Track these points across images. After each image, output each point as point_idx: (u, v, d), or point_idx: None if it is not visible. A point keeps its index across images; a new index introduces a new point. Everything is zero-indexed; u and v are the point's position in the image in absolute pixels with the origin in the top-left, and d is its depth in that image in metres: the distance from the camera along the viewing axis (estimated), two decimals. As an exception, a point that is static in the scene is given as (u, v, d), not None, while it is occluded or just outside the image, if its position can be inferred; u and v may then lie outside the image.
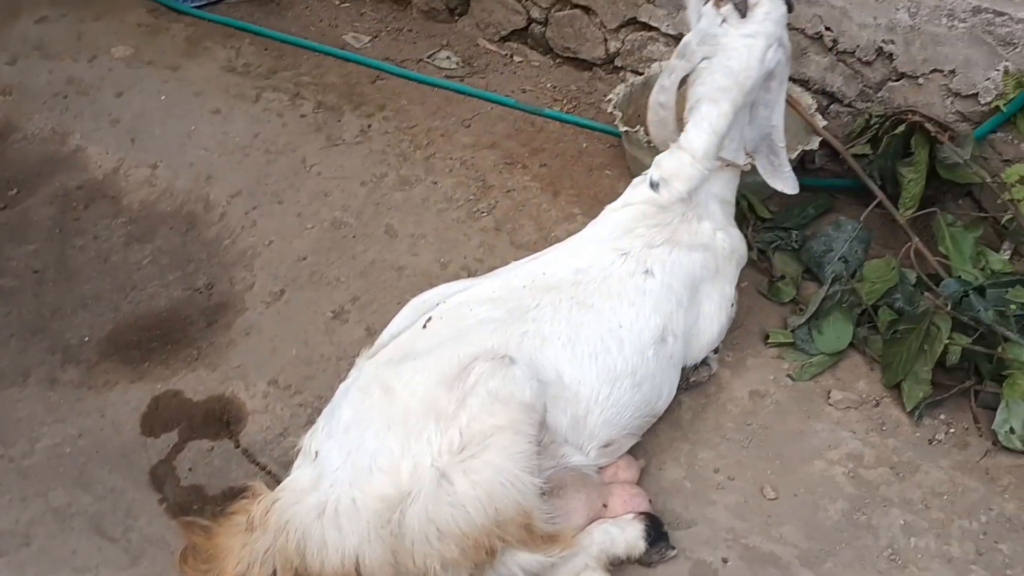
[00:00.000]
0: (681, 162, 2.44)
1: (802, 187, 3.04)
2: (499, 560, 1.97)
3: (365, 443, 2.04)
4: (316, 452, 2.12)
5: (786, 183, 2.58)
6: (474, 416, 1.98)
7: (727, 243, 2.52)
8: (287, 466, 2.28)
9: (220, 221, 3.29)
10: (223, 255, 3.18)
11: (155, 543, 2.30)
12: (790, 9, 2.45)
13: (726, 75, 2.40)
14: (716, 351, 2.59)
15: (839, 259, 2.75)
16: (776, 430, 2.49)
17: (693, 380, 2.55)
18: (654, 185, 2.46)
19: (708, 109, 2.43)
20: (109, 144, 3.65)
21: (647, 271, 2.36)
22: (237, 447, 2.55)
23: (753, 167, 2.57)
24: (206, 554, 2.09)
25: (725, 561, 2.20)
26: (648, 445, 2.45)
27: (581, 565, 2.09)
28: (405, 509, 1.92)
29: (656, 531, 2.15)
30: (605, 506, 2.24)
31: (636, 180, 2.55)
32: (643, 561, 2.14)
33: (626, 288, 2.33)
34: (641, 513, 2.18)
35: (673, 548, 2.17)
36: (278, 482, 2.38)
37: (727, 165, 2.49)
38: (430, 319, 2.30)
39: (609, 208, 2.56)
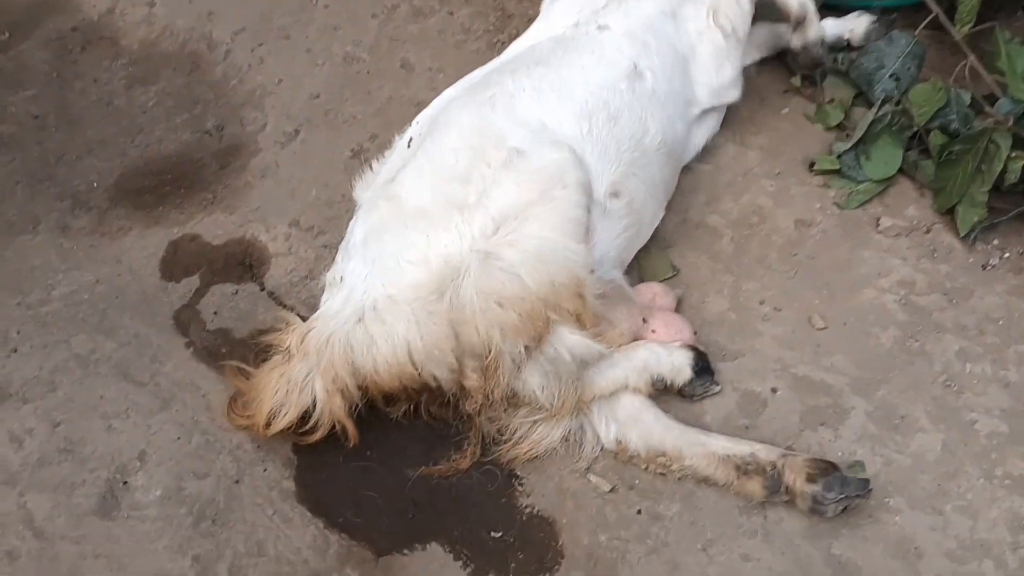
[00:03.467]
0: None
1: (852, 9, 2.85)
2: (549, 341, 1.92)
3: (386, 247, 2.01)
4: (340, 277, 2.08)
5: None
6: (501, 201, 1.95)
7: None
8: (315, 309, 2.20)
9: (225, 60, 3.09)
10: (231, 95, 3.01)
11: (184, 387, 2.23)
12: None
13: None
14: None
15: (890, 76, 2.57)
16: (823, 260, 2.38)
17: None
18: None
19: None
20: (101, -17, 3.41)
21: (600, 27, 2.35)
22: (262, 290, 2.46)
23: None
24: (247, 398, 2.03)
25: (774, 391, 2.13)
26: (689, 278, 2.36)
27: (622, 377, 2.03)
28: (458, 286, 1.89)
29: (703, 363, 2.07)
30: (645, 321, 2.16)
31: None
32: (685, 392, 2.07)
33: (582, 42, 2.32)
34: (688, 345, 2.09)
35: (718, 385, 2.10)
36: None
37: None
38: (411, 139, 2.28)
39: None
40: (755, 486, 1.92)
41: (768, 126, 2.68)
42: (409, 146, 2.28)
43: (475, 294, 1.89)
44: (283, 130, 2.86)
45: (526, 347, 1.92)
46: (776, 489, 1.90)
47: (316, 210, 2.61)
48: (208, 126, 2.94)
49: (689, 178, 2.57)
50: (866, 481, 1.89)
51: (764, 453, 1.93)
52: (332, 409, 1.99)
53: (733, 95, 2.51)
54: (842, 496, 1.86)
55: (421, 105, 2.83)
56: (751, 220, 2.48)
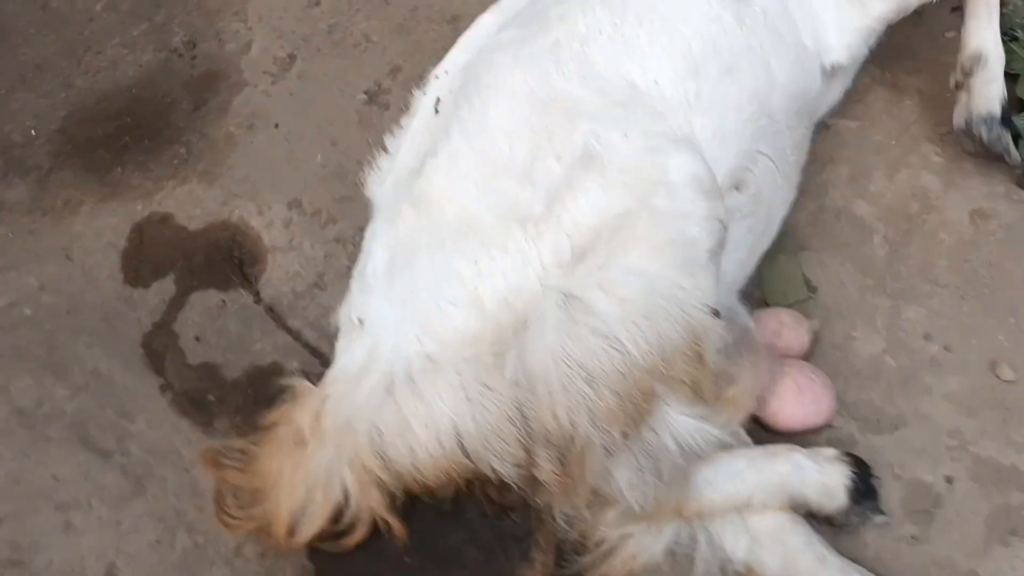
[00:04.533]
0: None
1: None
2: (650, 425, 1.37)
3: (419, 280, 1.45)
4: (359, 319, 1.53)
5: None
6: (581, 212, 1.38)
7: None
8: (328, 335, 1.65)
9: (193, -57, 2.34)
10: (204, -2, 2.29)
11: (162, 457, 1.70)
12: None
13: None
14: None
15: None
16: (1008, 271, 1.76)
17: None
18: None
19: None
20: None
21: None
22: (258, 302, 1.87)
23: None
24: (248, 492, 1.50)
25: (949, 481, 1.58)
26: (829, 299, 1.76)
27: (746, 494, 1.46)
28: (524, 347, 1.33)
29: (865, 484, 1.49)
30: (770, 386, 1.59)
31: None
32: (836, 521, 1.50)
33: None
34: (847, 454, 1.51)
35: (883, 514, 1.52)
36: (317, 354, 1.77)
37: None
38: (438, 100, 1.66)
39: None
40: None
41: (929, 59, 1.99)
42: (437, 111, 1.65)
43: (552, 363, 1.31)
44: (273, 55, 2.17)
45: (623, 433, 1.37)
46: None
47: (323, 184, 1.97)
48: (175, 41, 2.25)
49: (827, 141, 1.91)
50: None
51: None
52: (370, 505, 1.48)
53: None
54: None
55: (458, 21, 2.16)
56: (910, 208, 1.84)
